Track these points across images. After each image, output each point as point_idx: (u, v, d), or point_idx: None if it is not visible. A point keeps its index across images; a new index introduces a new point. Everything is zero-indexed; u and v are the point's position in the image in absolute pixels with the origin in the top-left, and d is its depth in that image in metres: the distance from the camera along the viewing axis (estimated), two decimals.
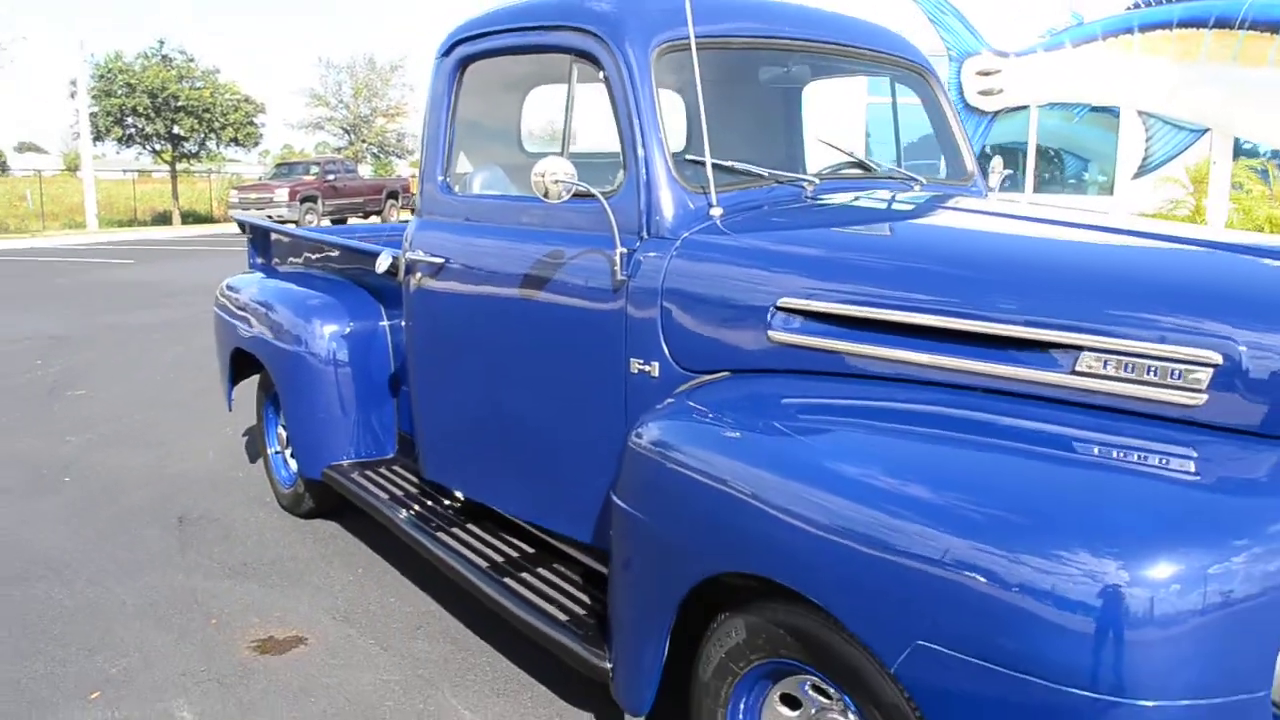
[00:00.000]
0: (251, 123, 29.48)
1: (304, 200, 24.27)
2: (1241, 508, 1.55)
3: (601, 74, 2.60)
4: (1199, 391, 1.71)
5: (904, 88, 3.25)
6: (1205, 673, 1.42)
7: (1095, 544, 1.46)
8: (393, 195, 27.39)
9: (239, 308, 4.44)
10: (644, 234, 2.49)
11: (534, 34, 2.84)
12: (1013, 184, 12.10)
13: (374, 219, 26.05)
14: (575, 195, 2.42)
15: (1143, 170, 8.32)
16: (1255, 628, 1.44)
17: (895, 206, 2.73)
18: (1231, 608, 1.42)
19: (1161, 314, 1.77)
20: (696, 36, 2.56)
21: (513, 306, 2.80)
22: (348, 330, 3.94)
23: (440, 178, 3.14)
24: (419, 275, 3.15)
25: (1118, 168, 10.51)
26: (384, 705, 2.82)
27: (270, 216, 21.48)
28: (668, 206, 2.47)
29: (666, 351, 2.42)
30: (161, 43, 28.48)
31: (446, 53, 3.14)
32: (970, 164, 3.23)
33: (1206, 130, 7.61)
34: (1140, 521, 1.49)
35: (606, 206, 2.45)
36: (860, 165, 2.96)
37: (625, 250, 2.47)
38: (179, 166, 29.72)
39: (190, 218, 29.70)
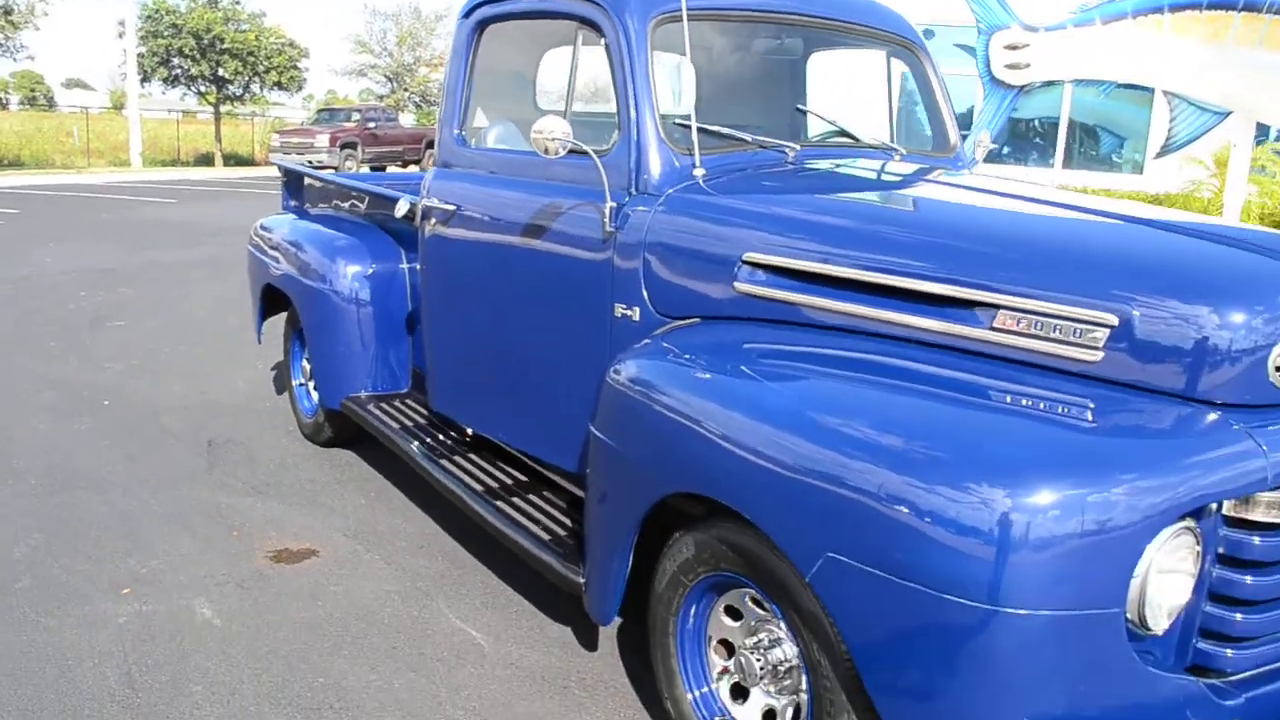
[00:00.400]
0: (295, 67, 29.80)
1: (344, 146, 24.62)
2: (1112, 450, 1.76)
3: (603, 41, 2.81)
4: (1096, 349, 1.92)
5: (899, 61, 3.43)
6: (1066, 589, 1.64)
7: (979, 475, 1.68)
8: (431, 145, 27.64)
9: (271, 247, 4.72)
10: (633, 190, 2.71)
11: (546, 1, 3.04)
12: (1041, 159, 12.11)
13: (412, 168, 26.34)
14: (571, 152, 2.65)
15: (1165, 150, 8.35)
16: (1112, 554, 1.65)
17: (864, 175, 2.92)
18: (1092, 535, 1.64)
19: (1067, 279, 1.97)
20: (693, 9, 2.76)
21: (515, 252, 3.04)
22: (370, 271, 4.20)
23: (456, 131, 3.37)
24: (433, 221, 3.39)
25: (1149, 147, 10.50)
26: (383, 611, 3.11)
27: (310, 161, 21.82)
28: (655, 166, 2.69)
29: (646, 298, 2.65)
30: None
31: (467, 14, 3.35)
32: (954, 137, 3.41)
33: (1230, 113, 7.64)
34: (1021, 457, 1.71)
35: (599, 163, 2.67)
36: (845, 134, 3.15)
37: (615, 204, 2.69)
38: (223, 109, 30.12)
39: (232, 160, 30.15)
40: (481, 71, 3.35)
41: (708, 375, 2.22)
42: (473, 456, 3.50)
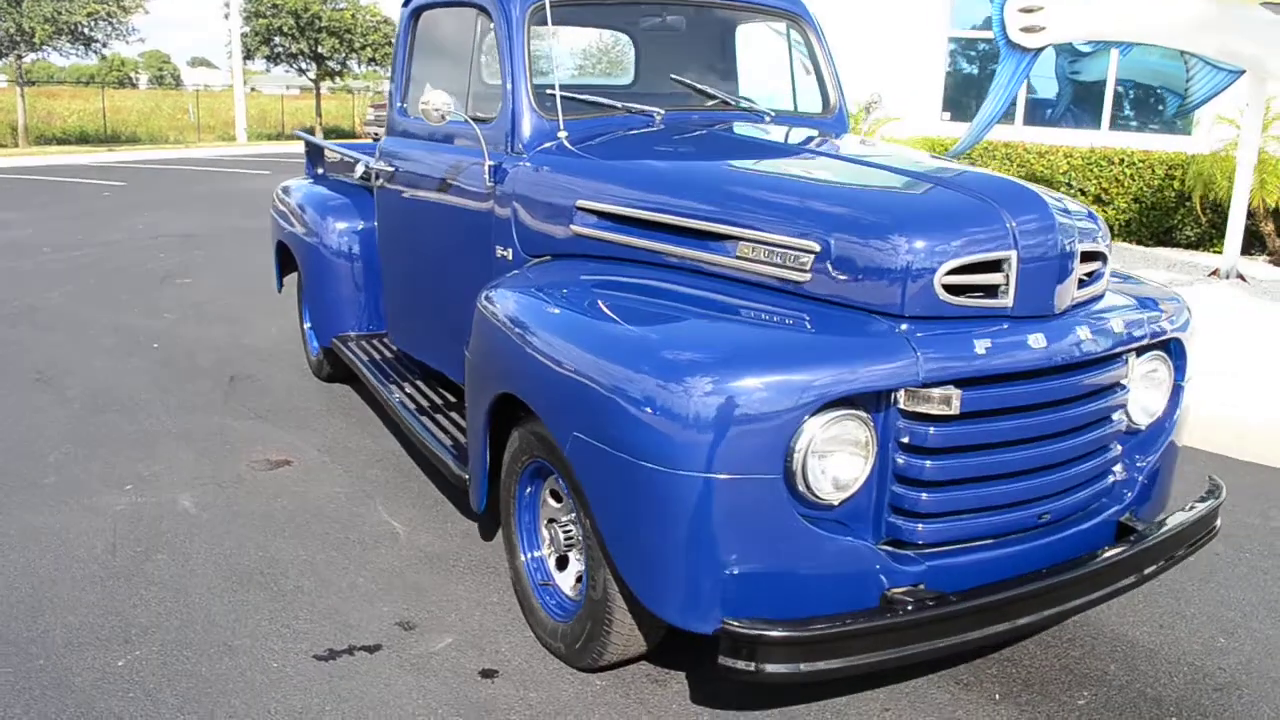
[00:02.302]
0: (390, 43, 30.98)
1: None
2: (778, 348, 2.18)
3: (492, 26, 3.31)
4: (805, 271, 2.35)
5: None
6: (731, 456, 2.07)
7: (668, 367, 2.14)
8: None
9: (283, 208, 5.38)
10: (509, 150, 3.22)
11: None
12: (1076, 120, 11.98)
13: None
14: (456, 119, 3.17)
15: (1184, 109, 8.35)
16: (767, 431, 2.06)
17: (697, 135, 3.29)
18: (750, 414, 2.06)
19: (786, 216, 2.41)
20: None
21: (429, 205, 3.59)
22: (358, 227, 4.80)
23: (399, 104, 3.93)
24: (379, 180, 3.97)
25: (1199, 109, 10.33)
26: (328, 507, 3.73)
27: None
28: (526, 129, 3.18)
29: (516, 240, 3.16)
30: None
31: (406, 3, 3.90)
32: (834, 100, 3.78)
33: (1244, 71, 7.62)
34: (704, 354, 2.15)
35: (476, 129, 3.18)
36: (719, 99, 3.55)
37: (493, 163, 3.21)
38: (331, 84, 31.55)
39: (333, 133, 31.59)
40: (418, 52, 3.89)
41: (529, 300, 2.72)
42: (419, 383, 4.09)
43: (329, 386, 5.22)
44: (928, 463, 2.23)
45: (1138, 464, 2.72)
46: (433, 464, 3.70)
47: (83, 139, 24.59)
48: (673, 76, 3.56)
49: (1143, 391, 2.68)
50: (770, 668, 2.07)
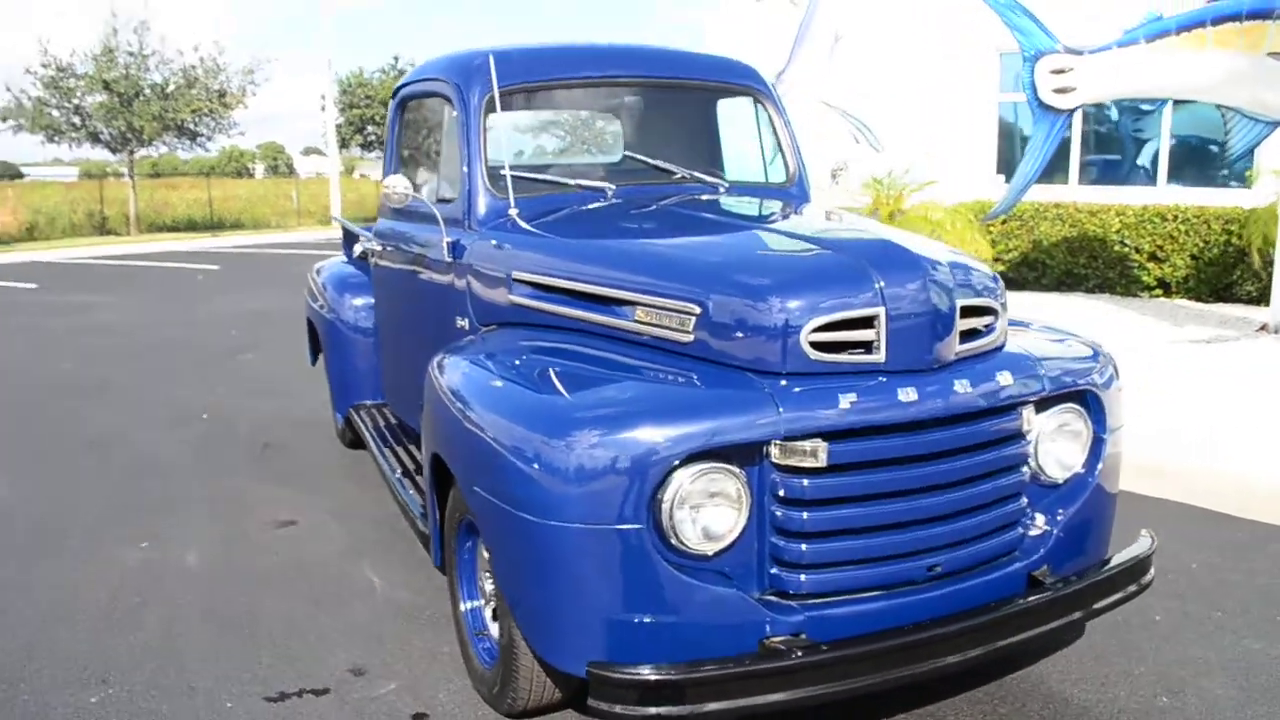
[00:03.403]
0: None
1: None
2: (645, 404, 2.32)
3: (455, 113, 3.60)
4: (688, 332, 2.50)
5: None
6: (597, 507, 2.21)
7: (542, 424, 2.31)
8: None
9: (312, 286, 5.76)
10: (467, 227, 3.47)
11: (432, 83, 3.87)
12: (1135, 178, 11.78)
13: None
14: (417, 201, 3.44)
15: (1227, 162, 8.20)
16: (631, 483, 2.19)
17: (633, 209, 3.44)
18: (613, 468, 2.20)
19: (673, 282, 2.57)
20: (526, 84, 3.53)
21: (408, 278, 3.86)
22: (371, 303, 5.12)
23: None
24: (373, 258, 4.27)
25: (1258, 162, 10.09)
26: (318, 564, 3.96)
27: None
28: (480, 207, 3.43)
29: (470, 311, 3.39)
30: (396, 59, 31.84)
31: (395, 94, 4.24)
32: (793, 168, 3.93)
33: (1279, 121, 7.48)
34: (573, 410, 2.33)
35: (434, 210, 3.45)
36: (664, 171, 3.73)
37: (450, 240, 3.46)
38: None
39: None
40: (405, 137, 4.21)
41: (456, 366, 2.91)
42: (411, 447, 4.32)
43: (352, 453, 5.51)
44: (804, 514, 2.32)
45: (1056, 517, 2.73)
46: None
47: (190, 226, 26.22)
48: (626, 153, 3.77)
49: (1055, 444, 2.71)
50: (634, 711, 2.17)
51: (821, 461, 2.27)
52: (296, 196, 31.82)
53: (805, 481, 2.31)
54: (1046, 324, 3.13)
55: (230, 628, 3.42)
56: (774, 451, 2.29)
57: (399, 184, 3.38)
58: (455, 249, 3.45)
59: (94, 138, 24.08)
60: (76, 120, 23.76)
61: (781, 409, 2.27)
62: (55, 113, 23.56)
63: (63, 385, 7.44)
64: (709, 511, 2.27)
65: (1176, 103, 10.59)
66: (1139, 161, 11.81)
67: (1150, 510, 4.45)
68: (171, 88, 23.89)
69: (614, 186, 3.57)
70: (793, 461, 2.29)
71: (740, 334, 2.41)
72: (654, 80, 3.84)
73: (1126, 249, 10.62)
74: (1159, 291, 10.43)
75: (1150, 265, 10.52)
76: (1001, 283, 2.68)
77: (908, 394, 2.33)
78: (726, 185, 3.74)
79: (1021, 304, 9.99)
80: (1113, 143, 12.87)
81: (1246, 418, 5.48)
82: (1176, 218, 10.28)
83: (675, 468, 2.22)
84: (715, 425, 2.24)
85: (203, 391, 7.16)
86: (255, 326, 10.13)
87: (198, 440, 5.85)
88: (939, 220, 8.31)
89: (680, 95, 3.97)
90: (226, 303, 12.15)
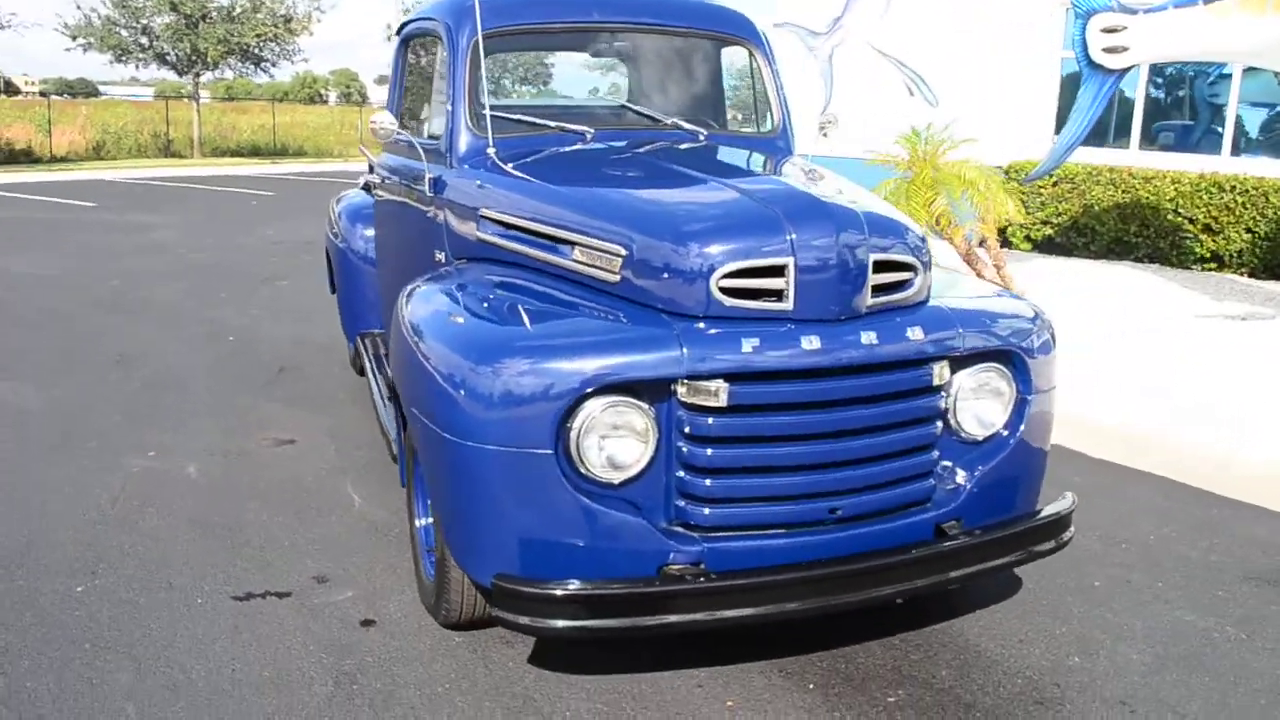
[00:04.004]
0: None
1: None
2: (558, 337, 2.46)
3: (444, 52, 3.71)
4: (615, 273, 2.62)
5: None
6: (507, 430, 2.38)
7: (467, 351, 2.46)
8: None
9: (330, 216, 5.96)
10: (449, 165, 3.60)
11: (428, 23, 3.98)
12: (1185, 143, 11.40)
13: None
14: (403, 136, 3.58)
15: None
16: (539, 409, 2.35)
17: (612, 154, 3.54)
18: (524, 394, 2.36)
19: (605, 224, 2.69)
20: (513, 27, 3.62)
21: (398, 209, 4.02)
22: None
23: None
24: (374, 190, 4.44)
25: None
26: (306, 480, 4.20)
27: None
28: (461, 145, 3.55)
29: (446, 245, 3.53)
30: None
31: (399, 31, 4.36)
32: (777, 119, 3.97)
33: None
34: (494, 340, 2.47)
35: (417, 145, 3.58)
36: (650, 118, 3.81)
37: (432, 175, 3.60)
38: None
39: None
40: (408, 75, 4.34)
41: (414, 298, 3.05)
42: None
43: (360, 379, 5.72)
44: (709, 451, 2.45)
45: (975, 473, 2.81)
46: None
47: (254, 152, 26.77)
48: (610, 99, 3.85)
49: (975, 402, 2.78)
50: (528, 620, 2.34)
51: (723, 401, 2.38)
52: (361, 125, 32.19)
53: (710, 420, 2.43)
54: (997, 286, 3.17)
55: (215, 534, 3.67)
56: (681, 390, 2.41)
57: (384, 119, 3.52)
58: (436, 184, 3.59)
59: (160, 59, 24.64)
60: (144, 41, 24.32)
61: (686, 349, 2.39)
62: (124, 32, 24.12)
63: (106, 301, 7.81)
64: (615, 442, 2.41)
65: (1246, 69, 10.22)
66: (1214, 127, 11.39)
67: (1129, 482, 4.48)
68: (238, 11, 24.28)
69: (593, 131, 3.65)
70: (698, 400, 2.41)
71: (657, 277, 2.53)
72: (642, 26, 3.90)
73: (1180, 218, 10.35)
74: (1212, 265, 10.15)
75: (1204, 237, 10.23)
76: (927, 241, 2.74)
77: (811, 342, 2.42)
78: (706, 134, 3.80)
79: (1054, 270, 9.90)
80: (1184, 107, 12.44)
81: (1248, 395, 5.42)
82: (1234, 188, 9.97)
83: (586, 397, 2.35)
84: (621, 361, 2.37)
85: (235, 314, 7.47)
86: (296, 253, 10.42)
87: (221, 360, 6.14)
88: (971, 179, 8.17)
89: (672, 42, 4.02)
90: (274, 229, 12.49)
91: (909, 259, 2.64)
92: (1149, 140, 12.01)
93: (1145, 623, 3.21)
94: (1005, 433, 2.85)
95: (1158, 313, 7.93)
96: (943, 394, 2.68)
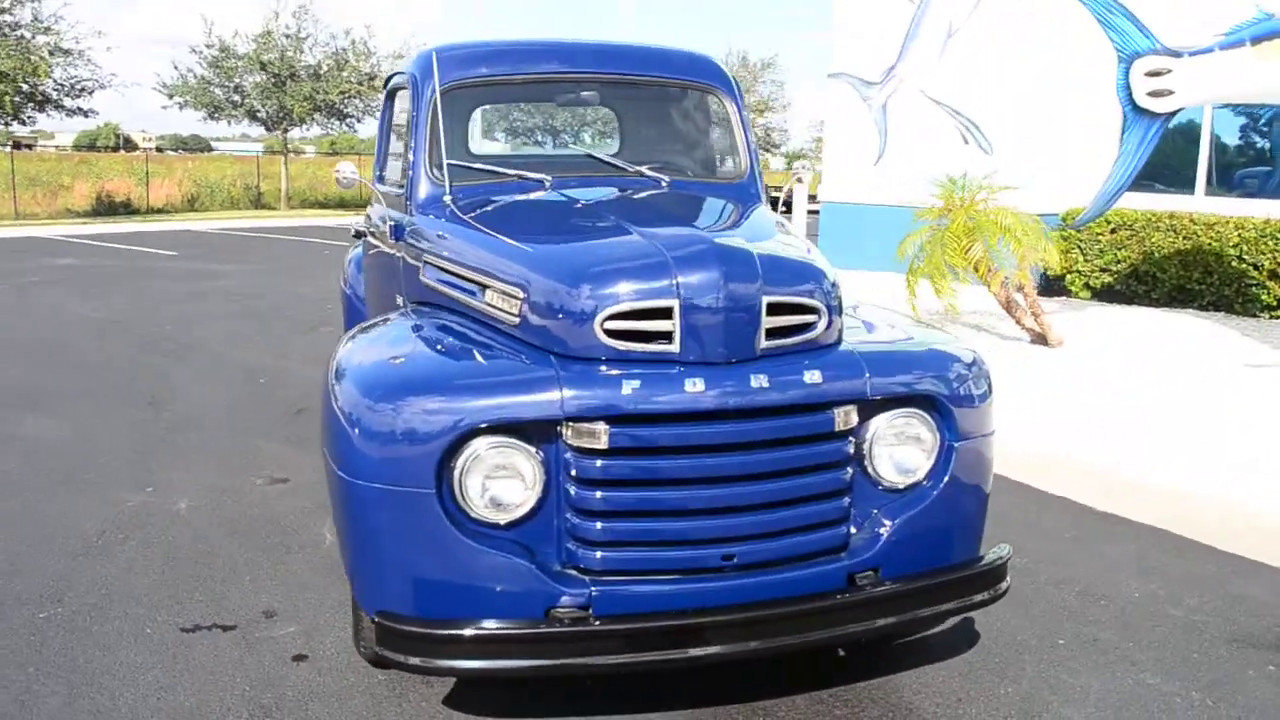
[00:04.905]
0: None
1: None
2: (441, 379, 2.50)
3: (409, 103, 3.84)
4: (514, 315, 2.65)
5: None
6: (389, 469, 2.41)
7: (359, 390, 2.53)
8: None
9: (344, 265, 6.16)
10: (410, 213, 3.70)
11: (404, 76, 4.12)
12: (1254, 188, 10.93)
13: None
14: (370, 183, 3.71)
15: None
16: (418, 450, 2.38)
17: (559, 203, 3.55)
18: (404, 435, 2.39)
19: (507, 269, 2.72)
20: (475, 79, 3.73)
21: (374, 255, 4.16)
22: None
23: (378, 172, 4.54)
24: (364, 236, 4.59)
25: None
26: (287, 518, 4.30)
27: None
28: (420, 193, 3.66)
29: (404, 289, 3.62)
30: None
31: (385, 85, 4.52)
32: (744, 165, 3.97)
33: None
34: (382, 380, 2.52)
35: (376, 192, 3.70)
36: (612, 166, 3.85)
37: (393, 222, 3.71)
38: None
39: None
40: (393, 128, 4.49)
41: (349, 341, 3.10)
42: None
43: None
44: (597, 494, 2.44)
45: (896, 522, 2.72)
46: None
47: (340, 204, 27.81)
48: (574, 149, 3.91)
49: (893, 449, 2.70)
50: (405, 659, 2.35)
51: (604, 444, 2.38)
52: None
53: (597, 462, 2.43)
54: (939, 332, 3.10)
55: (183, 567, 3.79)
56: (567, 432, 2.41)
57: (346, 169, 3.66)
58: (396, 230, 3.70)
59: (251, 115, 25.96)
60: (236, 98, 25.66)
61: (565, 391, 2.39)
62: (218, 91, 25.50)
63: (155, 343, 8.19)
64: (499, 483, 2.42)
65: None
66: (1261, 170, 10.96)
67: (1121, 534, 4.28)
68: (324, 70, 25.45)
69: (550, 179, 3.71)
70: (582, 443, 2.41)
71: (549, 318, 2.56)
72: (605, 76, 3.97)
73: (1245, 265, 9.93)
74: None
75: (1271, 284, 9.81)
76: (837, 285, 2.70)
77: (695, 384, 2.40)
78: (669, 181, 3.81)
79: (1108, 318, 9.58)
80: (1252, 152, 11.99)
81: (1264, 448, 5.14)
82: None
83: (469, 437, 2.38)
84: (500, 402, 2.40)
85: (275, 357, 7.74)
86: None
87: (246, 401, 6.37)
88: (1008, 225, 7.99)
89: (639, 91, 4.08)
90: (336, 277, 12.89)
91: (811, 302, 2.60)
92: (1218, 185, 11.57)
93: (1102, 685, 3.04)
94: (927, 482, 2.76)
95: (1201, 359, 7.60)
96: (849, 440, 2.61)
